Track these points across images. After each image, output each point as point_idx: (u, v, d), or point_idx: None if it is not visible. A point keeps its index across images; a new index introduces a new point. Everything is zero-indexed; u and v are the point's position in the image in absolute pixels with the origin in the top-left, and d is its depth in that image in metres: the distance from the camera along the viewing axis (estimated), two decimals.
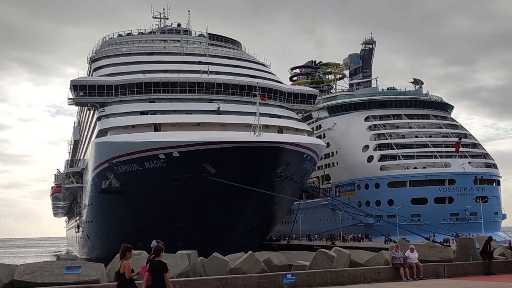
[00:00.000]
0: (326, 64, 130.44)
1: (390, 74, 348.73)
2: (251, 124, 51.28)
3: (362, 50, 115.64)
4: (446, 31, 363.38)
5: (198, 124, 57.47)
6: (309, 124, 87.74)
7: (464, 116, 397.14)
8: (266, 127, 55.68)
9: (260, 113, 52.23)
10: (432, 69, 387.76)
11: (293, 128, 62.89)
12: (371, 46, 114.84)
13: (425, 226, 68.72)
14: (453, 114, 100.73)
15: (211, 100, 61.06)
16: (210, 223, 49.58)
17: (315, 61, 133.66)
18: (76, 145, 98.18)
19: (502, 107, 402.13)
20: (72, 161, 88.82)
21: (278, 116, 63.49)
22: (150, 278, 12.29)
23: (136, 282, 12.79)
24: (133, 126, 57.47)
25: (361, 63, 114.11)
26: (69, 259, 20.61)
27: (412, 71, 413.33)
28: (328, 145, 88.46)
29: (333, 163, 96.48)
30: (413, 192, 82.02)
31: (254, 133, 50.31)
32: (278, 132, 60.03)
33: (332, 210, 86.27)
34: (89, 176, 67.67)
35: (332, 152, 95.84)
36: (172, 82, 61.11)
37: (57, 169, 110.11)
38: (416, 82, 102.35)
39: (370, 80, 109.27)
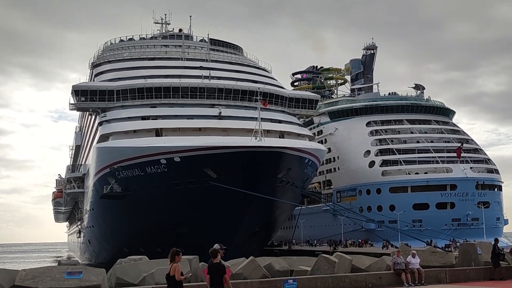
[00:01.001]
0: (328, 69, 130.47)
1: (392, 79, 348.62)
2: (253, 129, 51.29)
3: (363, 55, 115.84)
4: (447, 37, 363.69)
5: (200, 129, 57.47)
6: (310, 129, 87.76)
7: (466, 122, 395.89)
8: (268, 132, 55.64)
9: (261, 118, 52.23)
10: (433, 75, 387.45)
11: (294, 133, 62.89)
12: (372, 52, 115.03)
13: (426, 231, 68.68)
14: (454, 120, 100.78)
15: (212, 105, 61.06)
16: (211, 228, 49.48)
17: (317, 66, 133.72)
18: (77, 150, 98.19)
19: (504, 112, 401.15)
20: (74, 166, 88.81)
21: (280, 121, 63.48)
22: (208, 279, 13.13)
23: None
24: (135, 131, 57.45)
25: (363, 69, 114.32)
26: (70, 264, 20.62)
27: (414, 76, 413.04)
28: (329, 150, 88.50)
29: (334, 168, 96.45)
30: (415, 198, 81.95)
31: (256, 138, 50.32)
32: (280, 137, 60.00)
33: (333, 216, 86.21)
34: (90, 181, 67.65)
35: (334, 157, 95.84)
36: (174, 87, 61.12)
37: (59, 174, 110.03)
38: (418, 87, 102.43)
39: (372, 85, 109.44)
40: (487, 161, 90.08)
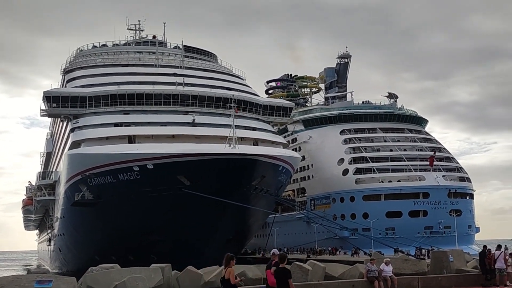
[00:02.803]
0: (302, 78, 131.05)
1: (366, 88, 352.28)
2: (227, 136, 51.09)
3: (337, 64, 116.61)
4: (421, 47, 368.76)
5: (173, 136, 57.06)
6: (284, 137, 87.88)
7: (439, 130, 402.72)
8: (242, 140, 55.47)
9: (235, 126, 52.08)
10: (407, 84, 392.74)
11: (268, 140, 62.81)
12: (346, 60, 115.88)
13: (399, 239, 69.04)
14: (428, 128, 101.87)
15: (186, 112, 60.73)
16: (184, 236, 49.16)
17: (291, 75, 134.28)
18: (48, 157, 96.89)
19: (476, 121, 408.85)
20: (44, 173, 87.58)
21: (254, 129, 63.37)
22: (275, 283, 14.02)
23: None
24: (107, 138, 56.81)
25: (337, 77, 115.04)
26: (40, 273, 20.19)
27: (388, 85, 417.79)
28: (303, 158, 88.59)
29: (308, 176, 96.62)
30: (388, 206, 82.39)
31: (230, 145, 50.13)
32: (254, 145, 59.87)
33: (307, 223, 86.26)
34: (61, 189, 66.74)
35: (308, 165, 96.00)
36: (147, 94, 60.66)
37: (29, 182, 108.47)
38: (391, 96, 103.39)
39: (346, 94, 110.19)
40: (459, 169, 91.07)
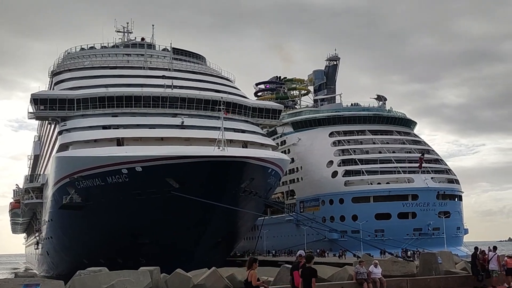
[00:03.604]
0: (291, 80, 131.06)
1: (355, 90, 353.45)
2: (216, 139, 50.98)
3: (326, 66, 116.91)
4: (410, 50, 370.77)
5: (162, 138, 56.86)
6: (273, 139, 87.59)
7: (427, 133, 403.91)
8: (231, 142, 55.39)
9: (224, 128, 51.96)
10: (396, 86, 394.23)
11: (257, 143, 62.71)
12: (335, 63, 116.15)
13: (389, 241, 69.18)
14: (416, 130, 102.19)
15: (175, 115, 60.52)
16: (173, 238, 48.97)
17: (280, 77, 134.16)
18: (36, 160, 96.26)
19: (464, 124, 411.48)
20: (32, 176, 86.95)
21: (243, 131, 63.22)
22: (301, 282, 14.38)
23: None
24: (95, 140, 56.50)
25: (326, 79, 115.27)
26: (28, 277, 20.05)
27: (377, 87, 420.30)
28: (292, 160, 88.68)
29: (297, 178, 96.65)
30: (377, 208, 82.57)
31: (219, 148, 50.02)
32: (243, 147, 59.77)
33: (296, 226, 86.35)
34: (49, 192, 66.32)
35: (297, 168, 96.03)
36: (136, 96, 60.39)
37: (16, 185, 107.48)
38: (380, 98, 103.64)
39: (334, 96, 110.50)
40: (448, 171, 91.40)
